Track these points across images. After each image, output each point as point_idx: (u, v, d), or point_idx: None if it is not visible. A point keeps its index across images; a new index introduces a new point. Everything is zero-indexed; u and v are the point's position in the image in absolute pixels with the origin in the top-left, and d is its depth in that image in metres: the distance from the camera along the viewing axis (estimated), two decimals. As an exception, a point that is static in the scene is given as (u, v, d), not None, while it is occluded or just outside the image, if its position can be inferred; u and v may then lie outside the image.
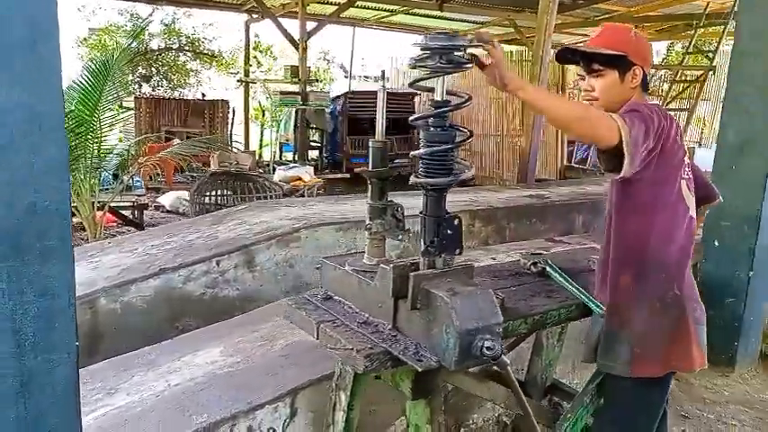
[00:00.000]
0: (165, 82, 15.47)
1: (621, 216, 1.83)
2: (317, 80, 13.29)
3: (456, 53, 1.36)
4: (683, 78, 10.64)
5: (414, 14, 13.09)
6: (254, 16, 12.90)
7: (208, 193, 6.69)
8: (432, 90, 1.43)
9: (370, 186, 1.75)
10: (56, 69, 1.27)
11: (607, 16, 12.91)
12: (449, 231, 1.50)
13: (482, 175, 11.84)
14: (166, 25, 14.94)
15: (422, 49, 1.38)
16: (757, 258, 3.68)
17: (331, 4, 11.53)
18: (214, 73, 16.47)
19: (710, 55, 10.09)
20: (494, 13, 12.30)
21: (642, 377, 1.78)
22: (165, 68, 15.38)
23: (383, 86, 1.69)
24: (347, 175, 9.19)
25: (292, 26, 11.10)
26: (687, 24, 12.89)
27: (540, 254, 2.33)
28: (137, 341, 2.89)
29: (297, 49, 10.53)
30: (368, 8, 12.43)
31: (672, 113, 1.96)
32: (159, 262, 3.52)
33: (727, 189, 2.48)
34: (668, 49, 15.16)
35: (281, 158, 13.30)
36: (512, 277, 2.17)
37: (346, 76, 19.14)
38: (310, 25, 10.64)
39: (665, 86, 10.64)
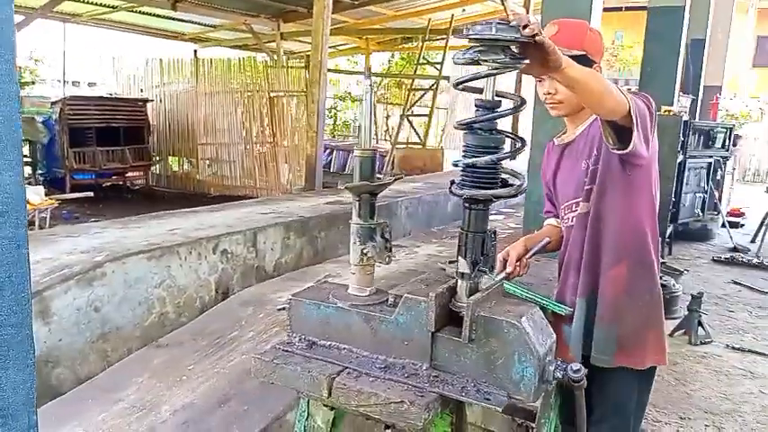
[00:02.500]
0: None
1: (619, 199, 1.73)
2: (33, 82, 11.10)
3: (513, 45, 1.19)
4: (419, 87, 11.71)
5: (139, 13, 11.89)
6: (-75, 1, 10.18)
7: None
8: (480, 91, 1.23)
9: (357, 204, 1.46)
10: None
11: (337, 26, 13.57)
12: (491, 247, 1.33)
13: (233, 185, 11.36)
14: None
15: (477, 40, 1.17)
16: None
17: (41, -7, 9.75)
18: None
19: (438, 66, 11.25)
20: (230, 16, 11.90)
21: (626, 367, 1.77)
22: None
23: (370, 86, 1.43)
24: (89, 194, 7.85)
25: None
26: (405, 38, 14.31)
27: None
28: None
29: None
30: (85, 2, 10.88)
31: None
32: None
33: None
34: (389, 61, 16.60)
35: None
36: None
37: (42, 80, 16.49)
38: (16, 18, 8.82)
39: (404, 94, 11.56)
